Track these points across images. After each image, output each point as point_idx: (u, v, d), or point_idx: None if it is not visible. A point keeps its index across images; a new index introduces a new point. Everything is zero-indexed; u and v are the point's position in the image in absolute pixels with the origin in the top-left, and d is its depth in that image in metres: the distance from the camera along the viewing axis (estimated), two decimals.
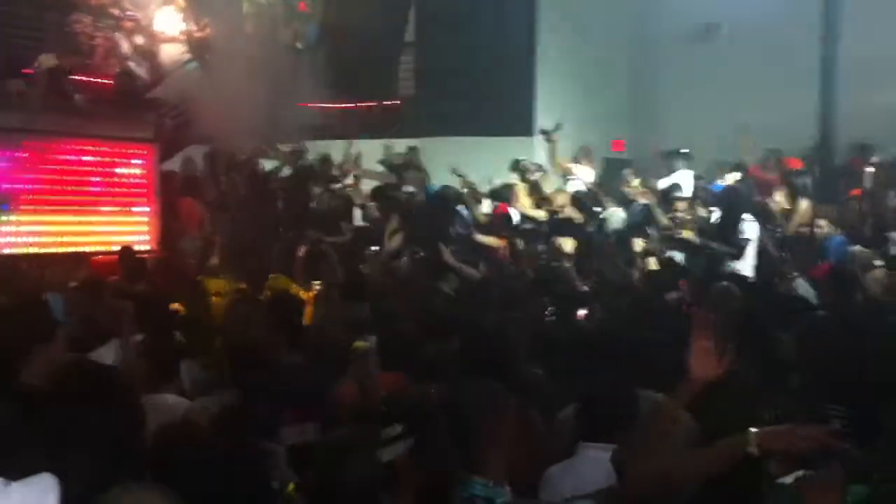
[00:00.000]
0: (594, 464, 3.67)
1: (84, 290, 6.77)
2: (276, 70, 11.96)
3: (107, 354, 4.82)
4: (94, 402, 3.24)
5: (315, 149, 12.49)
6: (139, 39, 13.31)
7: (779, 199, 10.13)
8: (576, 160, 12.13)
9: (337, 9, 14.45)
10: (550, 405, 4.55)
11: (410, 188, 11.28)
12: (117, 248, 9.11)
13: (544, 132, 11.72)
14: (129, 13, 13.53)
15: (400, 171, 12.14)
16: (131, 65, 12.81)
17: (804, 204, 9.84)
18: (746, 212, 9.33)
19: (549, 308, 6.82)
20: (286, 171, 11.76)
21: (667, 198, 10.17)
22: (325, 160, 11.93)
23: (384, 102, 14.68)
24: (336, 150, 12.46)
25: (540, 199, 10.70)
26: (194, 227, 10.15)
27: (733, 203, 9.49)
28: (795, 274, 8.46)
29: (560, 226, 10.01)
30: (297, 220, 10.29)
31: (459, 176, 10.85)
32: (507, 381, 3.60)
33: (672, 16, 14.40)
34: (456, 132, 13.12)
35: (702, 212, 10.01)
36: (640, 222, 10.09)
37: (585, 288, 7.99)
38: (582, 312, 6.91)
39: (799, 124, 11.63)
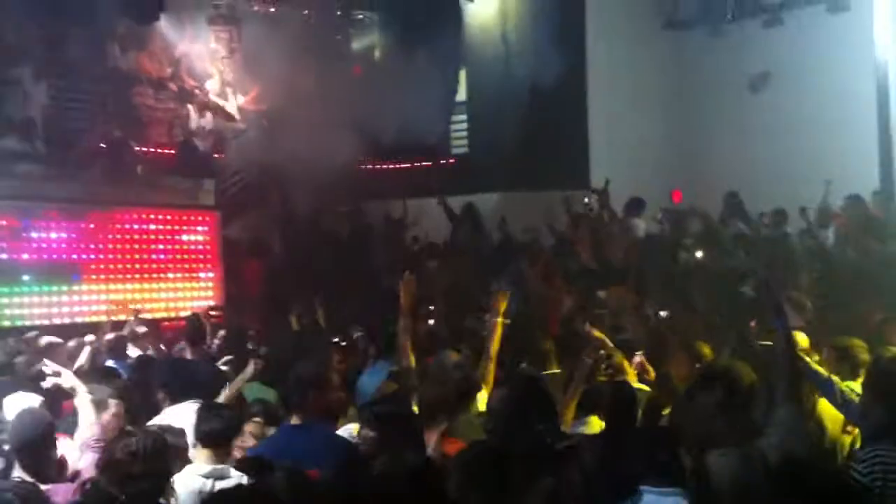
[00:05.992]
0: None
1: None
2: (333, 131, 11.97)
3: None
4: None
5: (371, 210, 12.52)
6: (206, 113, 13.48)
7: None
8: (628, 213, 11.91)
9: (390, 70, 14.54)
10: None
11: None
12: (184, 314, 9.17)
13: (595, 191, 11.63)
14: (197, 87, 13.70)
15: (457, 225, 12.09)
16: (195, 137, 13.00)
17: None
18: None
19: None
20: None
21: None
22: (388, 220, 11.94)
23: (439, 161, 14.71)
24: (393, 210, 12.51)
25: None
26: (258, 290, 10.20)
27: None
28: None
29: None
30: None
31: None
32: None
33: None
34: (510, 188, 13.11)
35: None
36: None
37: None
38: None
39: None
